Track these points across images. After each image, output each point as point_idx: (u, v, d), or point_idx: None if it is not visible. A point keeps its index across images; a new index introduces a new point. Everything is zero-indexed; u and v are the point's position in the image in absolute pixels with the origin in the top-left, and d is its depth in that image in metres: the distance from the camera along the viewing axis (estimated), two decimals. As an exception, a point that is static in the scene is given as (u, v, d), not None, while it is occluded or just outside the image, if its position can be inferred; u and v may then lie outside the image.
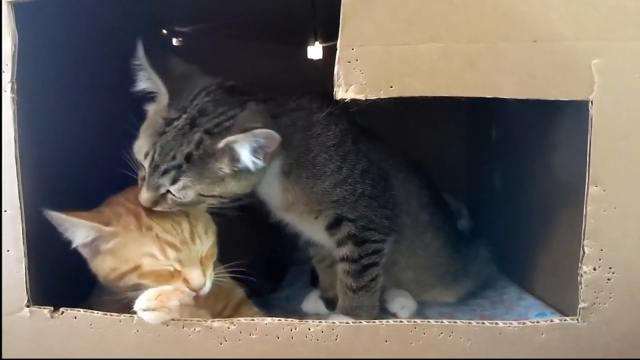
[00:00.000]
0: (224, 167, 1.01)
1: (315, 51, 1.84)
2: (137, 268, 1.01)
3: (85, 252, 1.05)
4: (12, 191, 0.95)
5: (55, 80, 1.15)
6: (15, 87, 0.94)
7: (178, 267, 1.03)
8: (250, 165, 1.01)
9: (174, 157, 1.00)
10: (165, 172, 1.00)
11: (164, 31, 1.84)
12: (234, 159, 1.01)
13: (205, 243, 1.08)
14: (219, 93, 1.07)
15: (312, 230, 1.25)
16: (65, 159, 1.15)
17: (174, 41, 1.88)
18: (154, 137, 1.02)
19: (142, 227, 1.03)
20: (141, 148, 1.04)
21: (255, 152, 1.00)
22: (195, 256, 1.05)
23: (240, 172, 1.03)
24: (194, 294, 1.02)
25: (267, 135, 0.98)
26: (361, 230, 1.16)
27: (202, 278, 1.04)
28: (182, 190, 1.01)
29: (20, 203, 0.95)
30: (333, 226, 1.18)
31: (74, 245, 1.02)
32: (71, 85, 1.21)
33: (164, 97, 1.05)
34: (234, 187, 1.04)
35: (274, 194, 1.16)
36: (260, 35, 1.85)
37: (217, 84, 1.09)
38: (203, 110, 1.03)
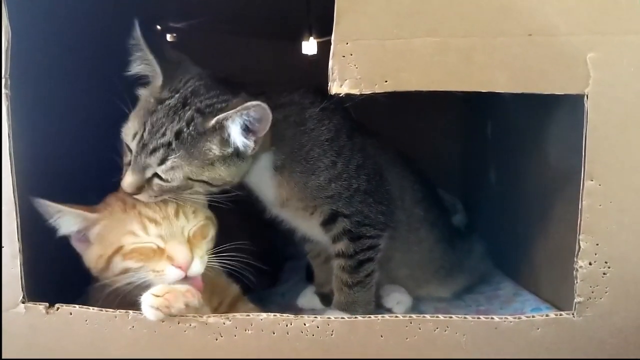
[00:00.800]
0: (214, 147, 1.01)
1: (309, 46, 1.83)
2: (119, 249, 1.01)
3: (78, 247, 1.05)
4: (7, 187, 0.94)
5: (49, 76, 1.14)
6: (9, 82, 0.93)
7: (160, 244, 1.02)
8: (240, 145, 1.01)
9: (163, 134, 0.99)
10: (154, 150, 0.99)
11: (158, 27, 1.83)
12: (224, 140, 1.00)
13: (192, 221, 1.06)
14: (213, 79, 1.07)
15: (308, 226, 1.24)
16: (60, 155, 1.15)
17: (168, 37, 1.87)
18: (145, 116, 1.01)
19: (127, 208, 1.03)
20: (130, 129, 1.03)
21: (245, 130, 0.99)
22: (178, 231, 1.04)
23: (230, 158, 1.03)
24: (183, 273, 1.01)
25: (259, 109, 0.97)
26: (356, 225, 1.16)
27: (188, 254, 1.01)
28: (170, 170, 0.99)
29: (14, 199, 0.94)
30: (328, 222, 1.18)
31: (60, 233, 1.02)
32: (65, 81, 1.21)
33: (158, 78, 1.05)
34: (222, 173, 1.04)
35: (268, 190, 1.16)
36: (254, 30, 1.84)
37: (209, 72, 1.09)
38: (196, 91, 1.03)
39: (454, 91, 0.91)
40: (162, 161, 0.99)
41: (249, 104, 0.96)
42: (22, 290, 0.96)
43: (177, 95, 1.02)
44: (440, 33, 0.90)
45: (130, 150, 1.02)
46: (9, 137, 0.94)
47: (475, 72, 0.91)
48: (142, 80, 1.08)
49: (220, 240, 1.12)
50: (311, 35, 1.82)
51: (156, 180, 1.01)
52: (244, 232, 1.36)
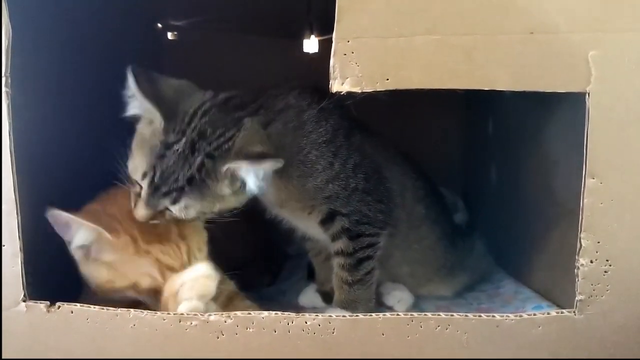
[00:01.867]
0: (225, 188, 1.04)
1: (310, 45, 1.83)
2: (135, 286, 1.03)
3: (77, 254, 1.05)
4: (8, 185, 0.94)
5: (49, 74, 1.14)
6: (10, 81, 0.93)
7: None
8: (255, 189, 1.04)
9: (176, 180, 1.01)
10: (167, 193, 1.02)
11: (159, 25, 1.84)
12: (235, 179, 1.03)
13: (200, 259, 1.09)
14: (215, 111, 1.07)
15: (307, 225, 1.25)
16: (61, 153, 1.15)
17: (169, 35, 1.88)
18: (152, 159, 1.03)
19: (140, 251, 1.04)
20: (137, 168, 1.05)
21: (259, 178, 1.02)
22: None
23: (239, 189, 1.05)
24: None
25: (273, 167, 1.01)
26: (355, 224, 1.16)
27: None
28: (184, 209, 1.03)
29: (15, 197, 0.94)
30: (327, 221, 1.18)
31: (72, 246, 1.03)
32: (66, 79, 1.20)
33: (158, 121, 1.05)
34: (234, 203, 1.07)
35: (268, 193, 1.16)
36: (255, 28, 1.84)
37: (210, 100, 1.09)
38: (202, 132, 1.04)
39: (455, 89, 0.91)
40: (175, 202, 1.02)
41: (265, 164, 1.01)
42: (23, 289, 0.95)
43: (184, 140, 1.03)
44: (442, 31, 0.89)
45: (140, 186, 1.05)
46: (9, 135, 0.93)
47: (476, 70, 0.90)
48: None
49: (221, 240, 1.12)
50: (312, 33, 1.82)
51: (169, 212, 1.04)
52: (245, 231, 1.36)
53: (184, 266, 1.06)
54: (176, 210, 1.03)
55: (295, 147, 1.12)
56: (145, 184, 1.03)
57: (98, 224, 1.03)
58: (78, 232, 1.02)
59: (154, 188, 1.02)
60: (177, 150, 1.02)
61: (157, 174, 1.02)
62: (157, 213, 1.04)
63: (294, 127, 1.12)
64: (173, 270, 1.04)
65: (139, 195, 1.05)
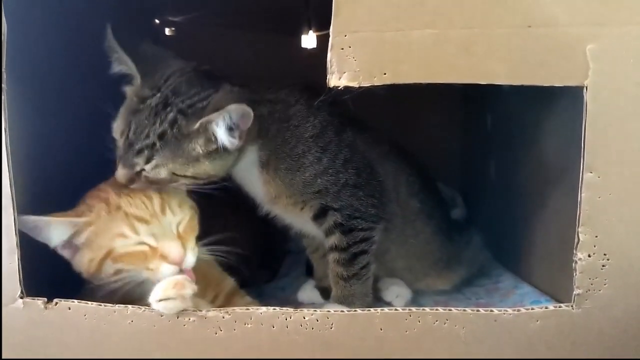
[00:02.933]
0: (198, 147, 1.02)
1: (309, 40, 1.82)
2: (110, 252, 1.00)
3: (65, 254, 1.03)
4: (4, 182, 0.94)
5: (46, 69, 1.13)
6: (5, 76, 0.93)
7: (152, 243, 1.01)
8: (228, 144, 1.02)
9: (147, 136, 1.01)
10: (140, 151, 1.01)
11: (157, 21, 1.83)
12: (209, 139, 1.02)
13: (179, 215, 1.06)
14: (194, 75, 1.08)
15: (300, 221, 1.25)
16: (57, 149, 1.15)
17: (167, 31, 1.87)
18: (129, 115, 1.03)
19: (112, 209, 1.02)
20: (118, 127, 1.05)
21: (230, 130, 1.01)
22: (168, 228, 1.04)
23: (215, 153, 1.04)
24: (177, 269, 1.01)
25: (241, 111, 0.99)
26: (347, 219, 1.16)
27: (181, 249, 1.01)
28: (155, 169, 1.02)
29: (12, 193, 0.94)
30: (319, 216, 1.18)
31: (52, 246, 1.01)
32: (62, 74, 1.20)
33: (136, 77, 1.06)
34: (207, 168, 1.05)
35: (257, 188, 1.17)
36: (253, 24, 1.84)
37: (192, 66, 1.10)
38: (177, 90, 1.04)
39: (452, 83, 0.90)
40: (148, 160, 1.02)
41: (229, 107, 0.98)
42: (21, 285, 0.96)
43: (158, 95, 1.03)
44: (439, 25, 0.89)
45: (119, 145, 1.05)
46: (5, 131, 0.93)
47: (474, 64, 0.90)
48: (127, 78, 1.09)
49: (221, 235, 1.12)
50: (310, 29, 1.81)
51: (144, 174, 1.03)
52: (243, 227, 1.36)
53: (156, 217, 1.03)
54: (148, 169, 1.02)
55: (280, 139, 1.13)
56: (121, 142, 1.03)
57: (84, 207, 1.03)
58: (50, 230, 1.00)
59: (128, 144, 1.02)
60: (150, 104, 1.02)
61: (131, 130, 1.02)
62: (135, 175, 1.03)
63: (279, 118, 1.13)
64: (143, 221, 1.01)
65: (120, 158, 1.05)
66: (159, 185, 1.06)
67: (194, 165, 1.03)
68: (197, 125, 1.00)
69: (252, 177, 1.15)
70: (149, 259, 1.01)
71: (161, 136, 1.01)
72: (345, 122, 1.21)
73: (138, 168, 1.03)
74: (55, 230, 1.00)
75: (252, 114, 0.99)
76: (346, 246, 1.17)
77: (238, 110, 0.99)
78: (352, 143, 1.20)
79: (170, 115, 1.01)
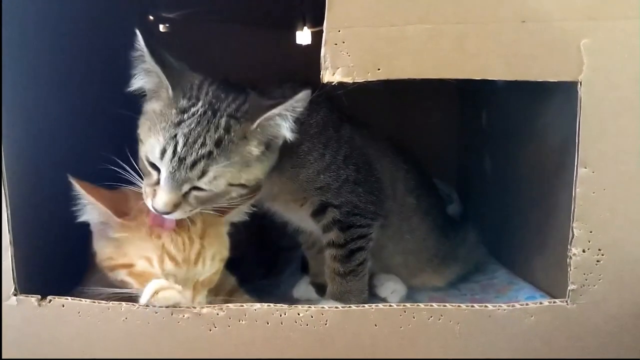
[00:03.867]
0: (254, 149, 1.00)
1: (303, 36, 1.82)
2: (129, 266, 1.00)
3: (94, 230, 1.04)
4: (-3, 179, 0.94)
5: (41, 65, 1.13)
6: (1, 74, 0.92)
7: (170, 282, 0.99)
8: (290, 135, 1.00)
9: (203, 144, 0.95)
10: (194, 163, 0.95)
11: (151, 17, 1.82)
12: (261, 141, 1.00)
13: (208, 270, 1.04)
14: (220, 84, 1.05)
15: (299, 217, 1.25)
16: (50, 146, 1.14)
17: (161, 27, 1.86)
18: (171, 129, 0.96)
19: (153, 235, 1.01)
20: (154, 148, 0.96)
21: (294, 123, 0.99)
22: (190, 278, 1.02)
23: (263, 154, 1.02)
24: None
25: (306, 97, 0.97)
26: (346, 215, 1.16)
27: (190, 299, 1.00)
28: (214, 180, 0.97)
29: (4, 190, 0.94)
30: (318, 213, 1.18)
31: (80, 219, 1.01)
32: (57, 70, 1.19)
33: (164, 89, 1.00)
34: (257, 171, 1.03)
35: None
36: (248, 20, 1.83)
37: (211, 79, 1.06)
38: (217, 96, 1.01)
39: (447, 79, 0.90)
40: (204, 173, 0.96)
41: (300, 95, 0.96)
42: (14, 282, 0.95)
43: (200, 103, 0.99)
44: (433, 20, 0.89)
45: (157, 169, 0.97)
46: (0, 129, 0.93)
47: (468, 59, 0.90)
48: (144, 93, 1.04)
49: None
50: (305, 25, 1.81)
51: (194, 193, 0.98)
52: (237, 224, 1.36)
53: (187, 265, 1.01)
54: (205, 183, 0.96)
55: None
56: (165, 160, 0.95)
57: (135, 205, 1.02)
58: (88, 209, 1.00)
59: (178, 161, 0.95)
60: (197, 112, 0.98)
61: (180, 143, 0.95)
62: (182, 198, 0.97)
63: None
64: (174, 262, 0.99)
65: (157, 182, 0.97)
66: (207, 205, 1.01)
67: (246, 170, 1.01)
68: (255, 125, 0.98)
69: None
70: None
71: (218, 143, 0.96)
72: (343, 118, 1.21)
73: (187, 187, 0.97)
74: (92, 211, 1.00)
75: (309, 93, 0.97)
76: (344, 243, 1.17)
77: (304, 97, 0.96)
78: (350, 139, 1.20)
79: (223, 121, 0.97)
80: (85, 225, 1.04)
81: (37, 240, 1.02)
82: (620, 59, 0.89)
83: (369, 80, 0.89)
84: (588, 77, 0.88)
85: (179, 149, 0.95)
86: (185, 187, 0.97)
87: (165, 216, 0.98)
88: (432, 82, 0.89)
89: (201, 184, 0.97)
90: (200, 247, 1.03)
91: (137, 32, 0.97)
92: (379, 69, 0.89)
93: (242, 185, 1.02)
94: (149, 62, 0.99)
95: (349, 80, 0.89)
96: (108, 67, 1.06)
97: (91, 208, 1.00)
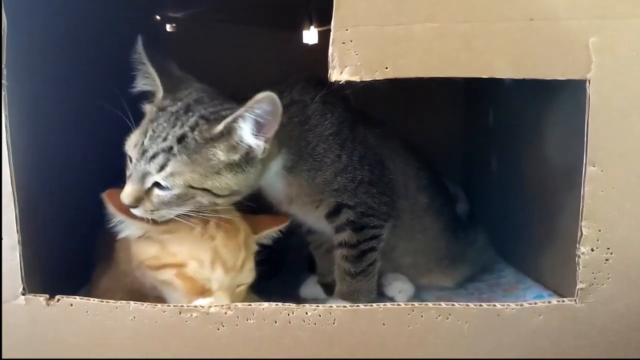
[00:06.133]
0: (220, 153, 0.98)
1: (310, 36, 1.82)
2: (180, 266, 1.00)
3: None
4: (5, 178, 0.93)
5: (46, 65, 1.13)
6: (5, 72, 0.92)
7: (214, 287, 1.01)
8: (253, 145, 0.98)
9: (164, 139, 0.97)
10: (154, 156, 0.96)
11: (157, 17, 1.83)
12: (232, 146, 0.98)
13: (249, 278, 1.06)
14: (217, 92, 1.06)
15: (313, 219, 1.24)
16: (57, 145, 1.14)
17: (167, 27, 1.87)
18: (146, 125, 1.00)
19: (206, 236, 1.02)
20: (132, 140, 1.00)
21: (257, 128, 0.96)
22: (233, 285, 1.03)
23: (237, 165, 1.00)
24: None
25: (269, 100, 0.94)
26: (360, 216, 1.16)
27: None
28: (170, 177, 0.96)
29: (13, 190, 0.94)
30: (333, 214, 1.18)
31: (120, 236, 1.02)
32: (63, 70, 1.20)
33: (159, 91, 1.03)
34: (229, 182, 1.00)
35: (277, 191, 1.16)
36: (254, 20, 1.83)
37: (214, 89, 1.08)
38: (199, 99, 1.02)
39: (454, 77, 0.90)
40: (162, 167, 0.96)
41: (259, 96, 0.93)
42: (22, 282, 0.95)
43: (179, 103, 1.01)
44: (440, 18, 0.89)
45: (131, 160, 0.99)
46: (6, 128, 0.93)
47: (475, 58, 0.90)
48: (148, 95, 1.06)
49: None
50: (312, 24, 1.81)
51: (156, 191, 0.98)
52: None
53: (234, 270, 1.02)
54: (162, 178, 0.96)
55: (303, 141, 1.11)
56: (135, 152, 0.98)
57: None
58: (124, 225, 1.01)
59: (142, 152, 0.97)
60: (170, 110, 1.00)
61: (147, 137, 0.98)
62: (144, 194, 0.97)
63: (299, 121, 1.11)
64: (225, 267, 1.00)
65: (129, 176, 0.99)
66: (169, 209, 0.99)
67: (213, 177, 0.99)
68: (221, 125, 0.97)
69: (274, 183, 1.13)
70: (196, 293, 1.00)
71: (180, 139, 0.97)
72: (356, 117, 1.21)
73: (150, 181, 0.97)
74: (131, 226, 1.01)
75: (281, 107, 0.94)
76: (356, 243, 1.17)
77: (267, 100, 0.94)
78: (364, 139, 1.19)
79: (192, 120, 0.98)
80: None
81: (45, 239, 1.02)
82: (628, 57, 0.89)
83: (377, 79, 0.89)
84: (596, 75, 0.88)
85: (145, 142, 0.97)
86: (148, 182, 0.97)
87: (132, 210, 0.99)
88: (438, 81, 0.89)
89: (159, 178, 0.97)
90: (246, 254, 1.05)
91: (139, 37, 1.02)
92: (386, 68, 0.89)
93: (208, 192, 0.99)
94: (146, 64, 1.03)
95: (356, 79, 0.89)
96: (114, 67, 1.06)
97: (128, 223, 1.01)
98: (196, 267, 1.00)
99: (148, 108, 1.05)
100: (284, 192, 1.15)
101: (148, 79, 1.05)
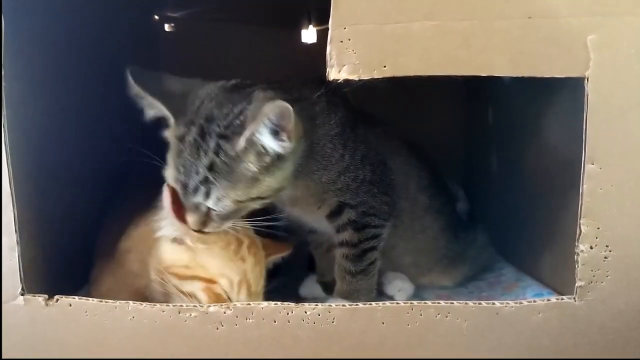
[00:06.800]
0: (252, 165, 0.98)
1: (309, 35, 1.82)
2: (211, 281, 1.01)
3: None
4: (4, 178, 0.93)
5: (44, 66, 1.13)
6: (3, 73, 0.92)
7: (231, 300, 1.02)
8: (280, 149, 0.98)
9: (197, 172, 0.98)
10: (195, 189, 0.98)
11: (156, 17, 1.83)
12: (259, 153, 0.98)
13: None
14: (222, 94, 1.04)
15: (314, 219, 1.24)
16: (56, 146, 1.14)
17: (166, 27, 1.87)
18: (175, 158, 1.00)
19: (238, 256, 1.03)
20: (169, 173, 1.02)
21: (276, 134, 0.96)
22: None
23: (272, 165, 1.00)
24: None
25: (277, 109, 0.93)
26: (361, 216, 1.16)
27: None
28: (219, 201, 0.98)
29: (11, 190, 0.94)
30: (335, 214, 1.18)
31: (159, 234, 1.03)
32: (61, 71, 1.20)
33: (170, 119, 1.03)
34: (271, 183, 1.01)
35: (284, 193, 1.13)
36: (253, 19, 1.83)
37: (219, 87, 1.06)
38: (209, 116, 1.00)
39: (453, 76, 0.90)
40: (207, 195, 0.98)
41: (264, 109, 0.93)
42: (21, 282, 0.95)
43: (193, 128, 1.00)
44: (439, 17, 0.88)
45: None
46: (4, 128, 0.93)
47: (474, 56, 0.90)
48: (164, 121, 1.05)
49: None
50: (310, 23, 1.81)
51: (212, 212, 1.01)
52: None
53: (255, 295, 1.04)
54: (212, 204, 0.98)
55: (311, 139, 1.10)
56: (178, 188, 1.00)
57: None
58: (166, 224, 1.02)
59: (184, 187, 0.99)
60: (189, 140, 0.99)
61: (181, 173, 0.99)
62: (206, 217, 1.00)
63: (308, 117, 1.09)
64: (249, 292, 1.02)
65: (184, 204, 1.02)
66: (232, 219, 1.03)
67: (255, 185, 1.00)
68: (242, 142, 0.96)
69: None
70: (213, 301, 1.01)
71: (210, 168, 0.97)
72: (357, 117, 1.20)
73: (203, 207, 0.99)
74: (169, 226, 1.02)
75: (290, 108, 0.93)
76: (357, 242, 1.17)
77: (274, 110, 0.93)
78: (366, 138, 1.19)
79: (212, 144, 0.97)
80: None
81: (44, 239, 1.02)
82: (627, 55, 0.88)
83: (375, 77, 0.89)
84: (595, 73, 0.88)
85: (181, 177, 0.99)
86: (202, 209, 1.00)
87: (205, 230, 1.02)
88: (437, 78, 0.89)
89: (209, 205, 0.99)
90: (263, 282, 1.06)
91: (128, 71, 1.01)
92: (385, 67, 0.89)
93: (260, 198, 1.02)
94: (148, 98, 1.02)
95: (354, 77, 0.89)
96: (114, 66, 1.06)
97: (171, 223, 1.01)
98: (227, 285, 1.01)
99: (168, 138, 1.04)
100: (289, 194, 1.13)
101: (154, 108, 1.04)
